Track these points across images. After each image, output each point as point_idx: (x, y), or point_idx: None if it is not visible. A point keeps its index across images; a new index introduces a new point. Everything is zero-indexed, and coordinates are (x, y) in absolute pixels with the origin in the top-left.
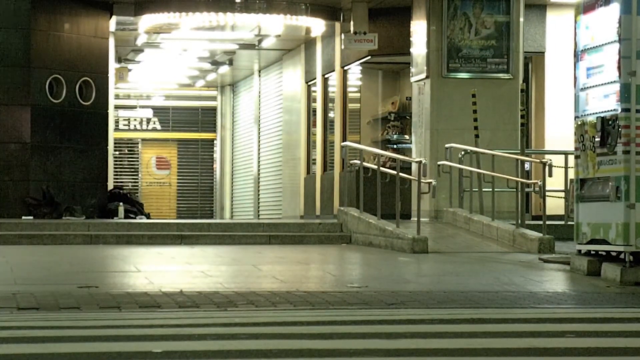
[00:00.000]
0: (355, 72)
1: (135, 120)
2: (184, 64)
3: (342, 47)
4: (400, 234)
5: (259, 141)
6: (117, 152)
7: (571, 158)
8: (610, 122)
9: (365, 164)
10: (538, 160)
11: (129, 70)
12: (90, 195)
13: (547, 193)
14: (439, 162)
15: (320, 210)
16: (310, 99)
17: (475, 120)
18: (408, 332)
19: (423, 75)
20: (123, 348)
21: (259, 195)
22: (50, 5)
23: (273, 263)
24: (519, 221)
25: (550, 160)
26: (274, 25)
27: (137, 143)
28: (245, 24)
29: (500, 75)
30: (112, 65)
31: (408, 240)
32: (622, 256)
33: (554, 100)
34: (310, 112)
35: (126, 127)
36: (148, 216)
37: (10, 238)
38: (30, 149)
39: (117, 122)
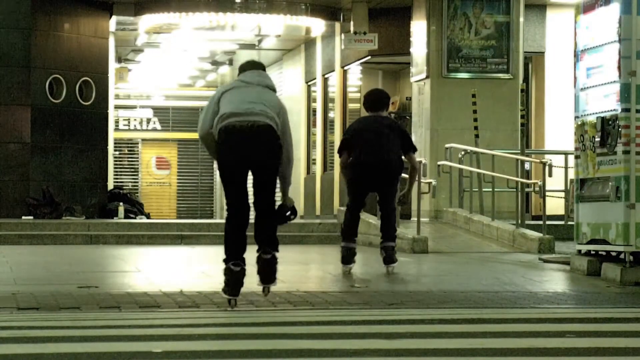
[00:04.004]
0: (355, 72)
1: (135, 120)
2: (184, 64)
3: (342, 47)
4: (400, 234)
5: None
6: (117, 152)
7: (571, 158)
8: (610, 122)
9: None
10: (538, 160)
11: (129, 70)
12: (90, 195)
13: (547, 193)
14: (439, 162)
15: (320, 210)
16: (310, 99)
17: (475, 120)
18: (408, 332)
19: (423, 75)
20: (123, 348)
21: None
22: (50, 5)
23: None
24: (519, 221)
25: (550, 160)
26: (274, 25)
27: (137, 143)
28: (245, 24)
29: (500, 75)
30: (112, 65)
31: (408, 240)
32: (622, 256)
33: (554, 100)
34: (310, 112)
35: (126, 127)
36: (148, 216)
37: (10, 238)
38: (30, 149)
39: (117, 122)
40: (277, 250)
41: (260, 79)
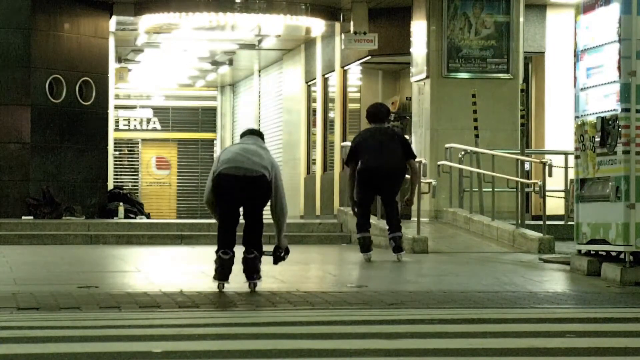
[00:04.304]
0: (355, 72)
1: (135, 120)
2: (184, 64)
3: (342, 47)
4: None
5: None
6: (117, 152)
7: (571, 158)
8: (610, 122)
9: None
10: (538, 160)
11: (129, 70)
12: (90, 195)
13: (547, 193)
14: (439, 162)
15: (320, 210)
16: (310, 99)
17: (475, 120)
18: (408, 332)
19: (423, 75)
20: (123, 348)
21: None
22: (50, 5)
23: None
24: (519, 221)
25: (550, 160)
26: (274, 25)
27: (137, 143)
28: (245, 24)
29: (500, 75)
30: (112, 65)
31: (408, 240)
32: (622, 256)
33: (554, 100)
34: (310, 112)
35: (126, 127)
36: (148, 216)
37: (10, 238)
38: (30, 149)
39: (117, 122)
40: (260, 254)
41: (256, 141)
